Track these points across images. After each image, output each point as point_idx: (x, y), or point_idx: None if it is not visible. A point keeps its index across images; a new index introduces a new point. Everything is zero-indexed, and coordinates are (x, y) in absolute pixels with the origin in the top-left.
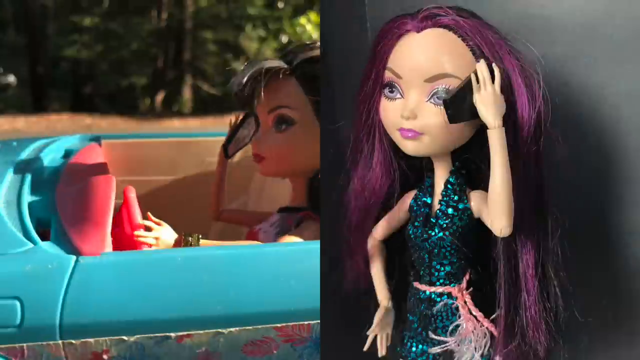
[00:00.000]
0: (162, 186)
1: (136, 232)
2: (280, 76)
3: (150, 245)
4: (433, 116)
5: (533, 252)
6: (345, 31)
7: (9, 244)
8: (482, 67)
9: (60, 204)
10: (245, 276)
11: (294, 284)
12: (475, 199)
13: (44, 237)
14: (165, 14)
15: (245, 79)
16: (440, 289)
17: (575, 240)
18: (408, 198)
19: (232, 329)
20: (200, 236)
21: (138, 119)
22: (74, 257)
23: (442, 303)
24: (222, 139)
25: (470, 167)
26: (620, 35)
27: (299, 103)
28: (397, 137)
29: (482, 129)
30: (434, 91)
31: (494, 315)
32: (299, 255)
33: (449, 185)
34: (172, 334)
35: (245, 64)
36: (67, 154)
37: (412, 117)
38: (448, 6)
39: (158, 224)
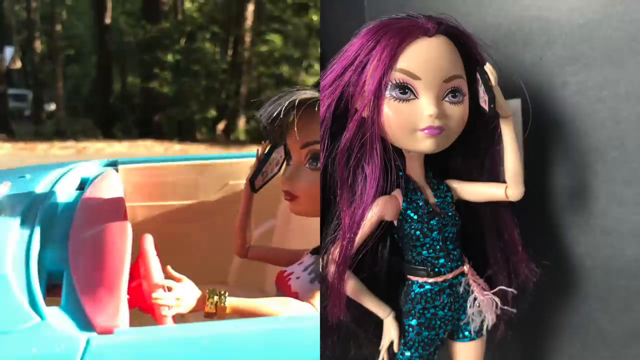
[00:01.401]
0: (183, 211)
1: (154, 295)
2: (316, 109)
3: (170, 307)
4: (452, 113)
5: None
6: (345, 31)
7: (13, 320)
8: (490, 68)
9: (73, 257)
10: (275, 354)
11: None
12: (452, 186)
13: (55, 292)
14: (230, 51)
15: (277, 112)
16: (457, 272)
17: (573, 240)
18: (387, 207)
19: None
20: (227, 293)
21: (208, 144)
22: (85, 336)
23: (464, 283)
24: (244, 161)
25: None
26: (618, 37)
27: None
28: (413, 138)
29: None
30: (449, 90)
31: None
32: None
33: (434, 180)
34: None
35: (277, 94)
36: (83, 184)
37: (440, 115)
38: (443, 14)
39: (178, 281)
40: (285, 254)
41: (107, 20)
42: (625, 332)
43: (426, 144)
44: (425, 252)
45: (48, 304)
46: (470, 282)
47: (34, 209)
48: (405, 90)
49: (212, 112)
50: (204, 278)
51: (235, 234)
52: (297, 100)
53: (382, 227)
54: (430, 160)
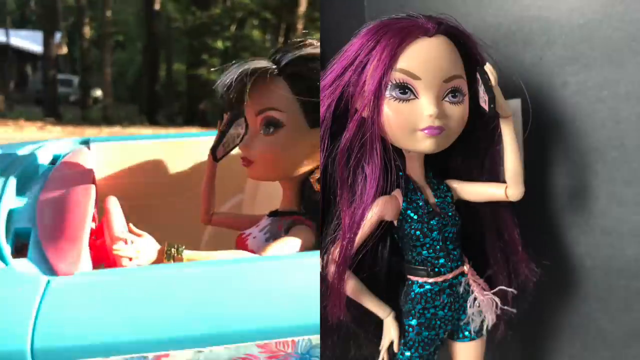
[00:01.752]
0: (153, 188)
1: (114, 246)
2: (268, 77)
3: (130, 259)
4: (452, 113)
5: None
6: (345, 31)
7: None
8: (490, 68)
9: (40, 216)
10: (225, 293)
11: (275, 299)
12: (452, 186)
13: (24, 251)
14: (282, 39)
15: (230, 80)
16: (457, 272)
17: (573, 240)
18: (387, 207)
19: (213, 348)
20: (183, 247)
21: None
22: (45, 278)
23: (464, 283)
24: (211, 139)
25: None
26: (618, 37)
27: (287, 105)
28: (413, 138)
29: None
30: (449, 90)
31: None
32: (280, 269)
33: (434, 180)
34: (150, 355)
35: (232, 64)
36: (55, 159)
37: (440, 115)
38: (443, 14)
39: (139, 236)
40: (247, 219)
41: (157, 6)
42: (625, 332)
43: (426, 144)
44: (425, 252)
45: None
46: (470, 282)
47: (5, 175)
48: (405, 90)
49: None
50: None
51: (202, 202)
52: (249, 69)
53: (382, 227)
54: (430, 160)
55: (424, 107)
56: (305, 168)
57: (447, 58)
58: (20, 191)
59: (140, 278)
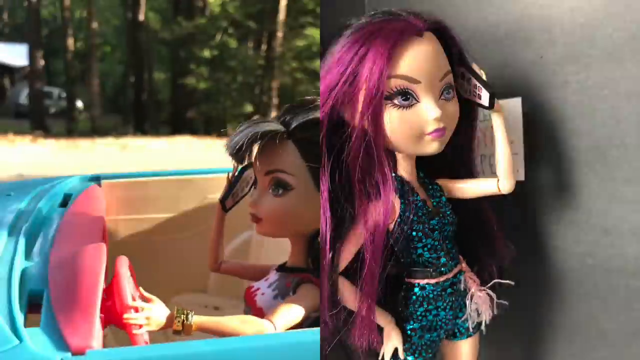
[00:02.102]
0: (164, 224)
1: (125, 316)
2: (277, 140)
3: (140, 326)
4: (449, 110)
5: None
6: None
7: None
8: (476, 66)
9: (52, 276)
10: None
11: None
12: (443, 184)
13: (37, 310)
14: (265, 46)
15: (242, 142)
16: (457, 270)
17: (574, 239)
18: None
19: None
20: (192, 313)
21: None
22: (58, 358)
23: (463, 280)
24: (222, 176)
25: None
26: (619, 36)
27: (296, 168)
28: (420, 142)
29: None
30: (443, 88)
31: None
32: (296, 348)
33: (426, 180)
34: None
35: (241, 125)
36: (66, 199)
37: (442, 116)
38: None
39: (149, 301)
40: (254, 269)
41: (141, 17)
42: (625, 331)
43: (432, 147)
44: (427, 253)
45: (30, 322)
46: (467, 279)
47: (17, 228)
48: (407, 96)
49: (248, 108)
50: (185, 287)
51: (209, 250)
52: (259, 133)
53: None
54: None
55: (428, 111)
56: (313, 227)
57: (439, 56)
58: (32, 241)
59: (154, 357)
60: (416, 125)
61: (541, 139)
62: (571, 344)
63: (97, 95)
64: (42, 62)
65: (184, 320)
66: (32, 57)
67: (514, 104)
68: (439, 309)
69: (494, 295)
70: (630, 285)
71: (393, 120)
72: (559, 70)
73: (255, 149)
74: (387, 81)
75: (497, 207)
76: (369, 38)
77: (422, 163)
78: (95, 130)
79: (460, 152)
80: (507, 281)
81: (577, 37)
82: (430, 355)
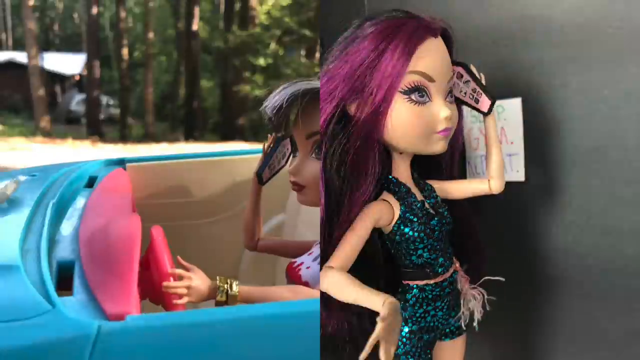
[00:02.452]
0: (192, 208)
1: (165, 284)
2: (319, 98)
3: (181, 296)
4: (455, 112)
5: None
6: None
7: (26, 308)
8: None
9: (84, 248)
10: (289, 339)
11: None
12: (435, 185)
13: (67, 286)
14: (318, 54)
15: (281, 102)
16: (452, 269)
17: (574, 239)
18: (382, 212)
19: None
20: (237, 282)
21: None
22: (96, 324)
23: (459, 280)
24: (252, 157)
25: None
26: (619, 36)
27: None
28: (429, 140)
29: None
30: (448, 90)
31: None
32: (297, 318)
33: (420, 181)
34: None
35: (280, 85)
36: (91, 181)
37: (453, 116)
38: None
39: (188, 269)
40: (295, 245)
41: (194, 27)
42: (626, 332)
43: (439, 146)
44: (427, 253)
45: (62, 295)
46: (461, 277)
47: (44, 204)
48: (422, 93)
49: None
50: (215, 273)
51: (244, 227)
52: (300, 91)
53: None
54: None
55: (440, 110)
56: None
57: (448, 58)
58: (59, 216)
59: (197, 322)
60: (428, 121)
61: (541, 139)
62: (571, 344)
63: (151, 103)
64: (98, 71)
65: (227, 291)
66: (90, 66)
67: (514, 105)
68: (437, 309)
69: (484, 292)
70: (630, 286)
71: (407, 114)
72: (559, 71)
73: (294, 112)
74: (405, 76)
75: (497, 208)
76: (390, 34)
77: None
78: (149, 136)
79: (451, 153)
80: (498, 277)
81: (577, 38)
82: (430, 356)
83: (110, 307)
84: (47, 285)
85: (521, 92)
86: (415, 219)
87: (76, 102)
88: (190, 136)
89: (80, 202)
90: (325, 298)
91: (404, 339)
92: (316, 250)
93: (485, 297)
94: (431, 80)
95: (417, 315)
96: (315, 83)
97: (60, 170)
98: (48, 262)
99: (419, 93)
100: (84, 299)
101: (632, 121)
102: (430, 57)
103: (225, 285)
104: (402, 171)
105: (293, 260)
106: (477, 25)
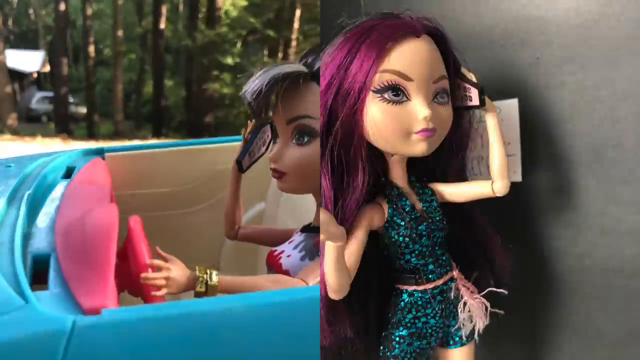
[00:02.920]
0: (172, 198)
1: (142, 275)
2: (300, 82)
3: (159, 288)
4: (441, 114)
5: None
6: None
7: None
8: (465, 69)
9: (59, 241)
10: (268, 332)
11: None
12: (436, 189)
13: (43, 279)
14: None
15: (260, 87)
16: (447, 277)
17: (571, 239)
18: (373, 215)
19: None
20: (217, 273)
21: None
22: (71, 319)
23: (454, 288)
24: (233, 145)
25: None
26: (616, 36)
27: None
28: (407, 141)
29: None
30: (437, 91)
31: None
32: (297, 305)
33: (417, 184)
34: None
35: (259, 69)
36: (69, 171)
37: (433, 117)
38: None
39: (167, 260)
40: (275, 233)
41: (162, 26)
42: (624, 332)
43: (420, 147)
44: (414, 259)
45: (35, 291)
46: (460, 286)
47: (19, 196)
48: (397, 92)
49: None
50: (196, 263)
51: (225, 216)
52: (280, 75)
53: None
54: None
55: (418, 109)
56: None
57: (434, 58)
58: (35, 209)
59: (174, 314)
60: (404, 121)
61: (538, 140)
62: (569, 344)
63: (120, 101)
64: (66, 69)
65: (207, 281)
66: (58, 63)
67: (511, 105)
68: (428, 317)
69: (487, 304)
70: (628, 286)
71: (379, 113)
72: (556, 71)
73: (274, 97)
74: (378, 75)
75: (494, 209)
76: (363, 35)
77: (416, 167)
78: (118, 134)
79: (454, 156)
80: (501, 290)
81: (574, 38)
82: None
83: (86, 301)
84: (21, 280)
85: (518, 93)
86: (402, 223)
87: (36, 100)
88: (158, 133)
89: (57, 193)
90: (328, 305)
91: (394, 342)
92: (297, 238)
93: (489, 308)
94: (407, 79)
95: (407, 320)
96: (295, 66)
97: (36, 161)
98: (22, 256)
99: (392, 92)
100: (59, 293)
101: (628, 121)
102: (406, 55)
103: (205, 276)
104: (397, 174)
105: (274, 248)
106: (473, 26)
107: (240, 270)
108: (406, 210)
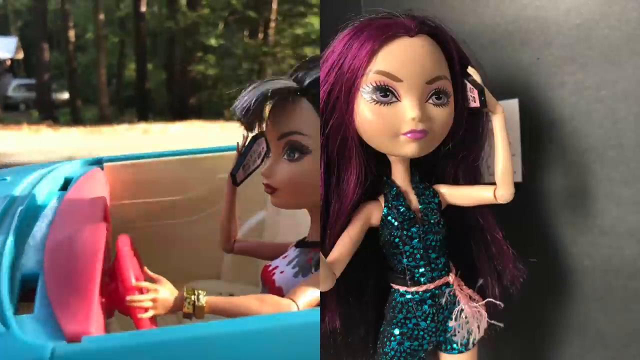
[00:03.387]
0: (172, 207)
1: (128, 298)
2: (290, 99)
3: (146, 310)
4: (436, 115)
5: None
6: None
7: None
8: (473, 70)
9: (47, 260)
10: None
11: None
12: (441, 191)
13: (31, 296)
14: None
15: (249, 103)
16: (440, 282)
17: (571, 240)
18: (372, 212)
19: None
20: (204, 293)
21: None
22: (50, 347)
23: (447, 294)
24: (234, 153)
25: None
26: (616, 36)
27: (312, 129)
28: (396, 142)
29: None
30: (432, 92)
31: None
32: (296, 330)
33: (420, 185)
34: None
35: (250, 85)
36: (66, 183)
37: (424, 118)
38: (424, 13)
39: (155, 281)
40: (271, 247)
41: (142, 9)
42: (624, 332)
43: (409, 148)
44: (405, 260)
45: (24, 309)
46: (457, 292)
47: (11, 213)
48: (386, 93)
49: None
50: (197, 273)
51: (220, 229)
52: (269, 91)
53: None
54: (416, 165)
55: (406, 110)
56: None
57: (429, 58)
58: (28, 225)
59: (155, 342)
60: (392, 122)
61: (538, 140)
62: (569, 345)
63: (104, 85)
64: (47, 55)
65: (194, 302)
66: (38, 49)
67: (511, 105)
68: (419, 319)
69: (484, 313)
70: (628, 286)
71: (368, 114)
72: (556, 72)
73: (266, 111)
74: (366, 75)
75: (493, 209)
76: (357, 33)
77: (422, 167)
78: (104, 119)
79: (466, 157)
80: (498, 302)
81: (574, 38)
82: None
83: (68, 325)
84: (4, 305)
85: (518, 93)
86: (396, 223)
87: (13, 87)
88: (145, 117)
89: (51, 207)
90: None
91: (386, 339)
92: (291, 253)
93: (486, 317)
94: (397, 79)
95: (398, 319)
96: (284, 82)
97: (32, 174)
98: (10, 276)
99: (381, 92)
100: (43, 317)
101: (629, 121)
102: (396, 56)
103: (192, 297)
104: (398, 173)
105: (268, 263)
106: (474, 26)
107: (242, 279)
108: (400, 210)
